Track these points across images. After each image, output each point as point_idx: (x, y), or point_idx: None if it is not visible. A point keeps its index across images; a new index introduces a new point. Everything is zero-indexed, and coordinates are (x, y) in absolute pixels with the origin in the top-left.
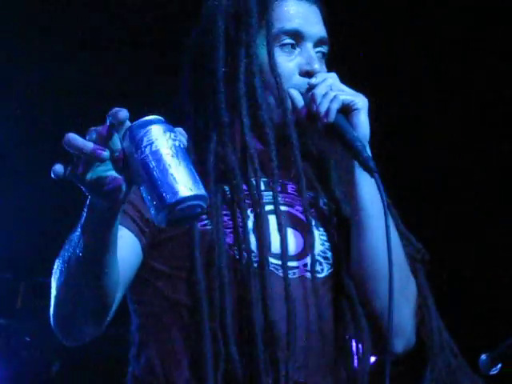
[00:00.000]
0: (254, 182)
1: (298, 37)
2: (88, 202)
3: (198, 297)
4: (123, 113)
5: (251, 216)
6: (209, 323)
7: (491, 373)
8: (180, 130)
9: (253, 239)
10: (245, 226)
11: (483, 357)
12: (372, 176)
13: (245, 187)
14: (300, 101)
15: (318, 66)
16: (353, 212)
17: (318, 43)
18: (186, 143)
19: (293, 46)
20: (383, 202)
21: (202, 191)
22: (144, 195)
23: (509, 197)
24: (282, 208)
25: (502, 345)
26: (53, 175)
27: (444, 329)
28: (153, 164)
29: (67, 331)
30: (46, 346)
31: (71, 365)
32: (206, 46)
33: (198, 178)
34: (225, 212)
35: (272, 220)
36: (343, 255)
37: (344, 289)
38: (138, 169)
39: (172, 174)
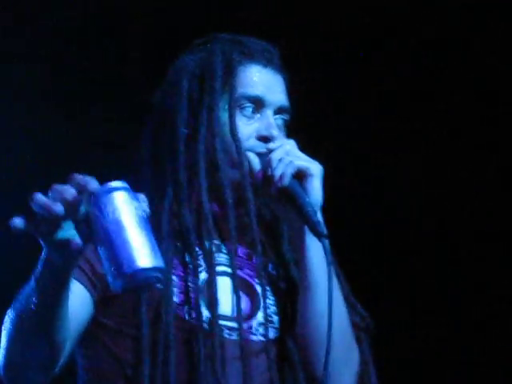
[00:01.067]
0: (206, 243)
1: (258, 103)
2: (44, 256)
3: (141, 353)
4: (94, 184)
5: (201, 277)
6: (149, 380)
7: None
8: (143, 197)
9: (202, 300)
10: (195, 286)
11: None
12: (320, 240)
13: (197, 248)
14: (257, 164)
15: (275, 132)
16: (300, 276)
17: (279, 111)
18: (148, 211)
19: (253, 111)
20: (328, 266)
21: (159, 263)
22: (103, 259)
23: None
24: (232, 270)
25: None
26: (12, 228)
27: None
28: (114, 232)
29: (16, 381)
30: None
31: None
32: (168, 106)
33: (157, 248)
34: (174, 271)
35: (221, 281)
36: (289, 320)
37: (287, 353)
38: (100, 234)
39: (131, 244)
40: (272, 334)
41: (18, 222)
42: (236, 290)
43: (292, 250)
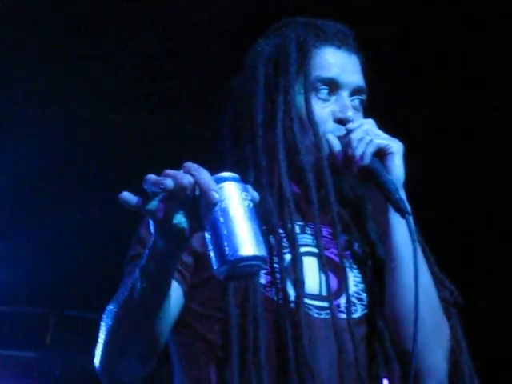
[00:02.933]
0: (289, 224)
1: (333, 85)
2: (151, 244)
3: (229, 333)
4: (205, 173)
5: (287, 258)
6: (238, 358)
7: None
8: (250, 188)
9: (288, 280)
10: (281, 267)
11: None
12: (403, 217)
13: (281, 230)
14: (337, 145)
15: (351, 113)
16: (386, 254)
17: (355, 92)
18: (256, 201)
19: (329, 93)
20: (413, 242)
21: (262, 252)
22: (209, 245)
23: None
24: (318, 250)
25: None
26: (122, 200)
27: (475, 373)
28: (221, 220)
29: (115, 375)
30: (76, 380)
31: None
32: (246, 92)
33: (261, 238)
34: None
35: (307, 262)
36: (377, 297)
37: (377, 330)
38: (208, 221)
39: (236, 233)
40: (361, 311)
41: (128, 196)
42: (323, 269)
43: (377, 228)
